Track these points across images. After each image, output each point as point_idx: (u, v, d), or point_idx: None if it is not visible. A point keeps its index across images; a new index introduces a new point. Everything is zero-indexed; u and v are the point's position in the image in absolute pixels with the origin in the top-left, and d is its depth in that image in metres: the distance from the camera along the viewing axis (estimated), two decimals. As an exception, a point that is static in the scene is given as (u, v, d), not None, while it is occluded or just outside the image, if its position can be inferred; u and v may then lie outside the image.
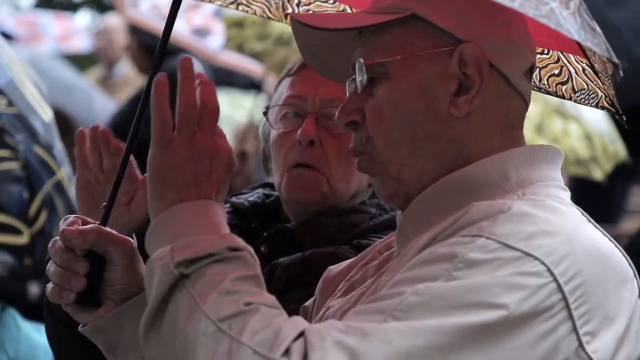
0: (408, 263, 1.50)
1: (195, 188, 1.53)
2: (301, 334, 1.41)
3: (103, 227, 1.72)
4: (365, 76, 1.62)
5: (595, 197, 5.38)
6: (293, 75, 2.23)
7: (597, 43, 1.46)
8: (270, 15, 2.17)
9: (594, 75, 1.86)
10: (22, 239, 3.25)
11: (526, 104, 1.65)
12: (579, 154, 5.31)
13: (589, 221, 1.60)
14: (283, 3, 2.14)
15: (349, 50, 1.67)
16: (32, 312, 4.09)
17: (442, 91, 1.59)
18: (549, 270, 1.45)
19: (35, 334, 3.70)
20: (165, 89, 1.54)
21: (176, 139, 1.53)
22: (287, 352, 1.39)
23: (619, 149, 5.47)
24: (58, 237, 1.71)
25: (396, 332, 1.39)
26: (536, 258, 1.45)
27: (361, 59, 1.63)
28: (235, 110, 7.80)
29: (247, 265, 1.50)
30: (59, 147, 3.27)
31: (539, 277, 1.45)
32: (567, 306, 1.46)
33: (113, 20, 7.97)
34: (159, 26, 6.01)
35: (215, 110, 1.54)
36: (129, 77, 7.68)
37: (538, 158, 1.62)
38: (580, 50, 1.84)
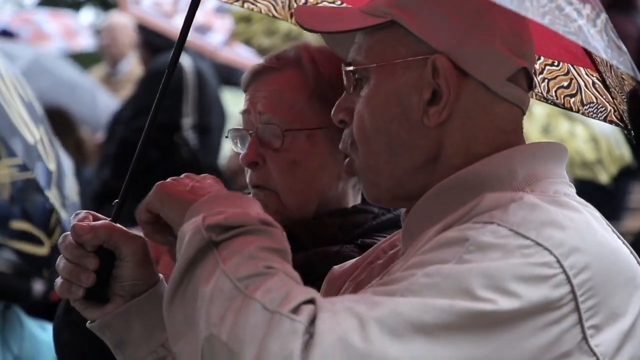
0: (419, 250, 1.50)
1: (203, 189, 1.60)
2: (312, 299, 1.42)
3: (114, 223, 1.73)
4: (352, 79, 1.64)
5: (598, 195, 5.40)
6: (244, 93, 2.21)
7: (622, 61, 1.46)
8: (275, 14, 2.17)
9: (604, 90, 1.86)
10: (43, 250, 3.25)
11: (519, 108, 1.64)
12: (585, 156, 5.33)
13: (598, 217, 1.60)
14: (289, 2, 2.14)
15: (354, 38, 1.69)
16: (36, 309, 4.11)
17: (416, 100, 1.60)
18: (558, 261, 1.46)
19: (39, 331, 3.72)
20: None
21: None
22: (296, 310, 1.39)
23: (624, 153, 5.48)
24: (69, 233, 1.72)
25: (407, 305, 1.40)
26: (546, 248, 1.46)
27: (346, 63, 1.65)
28: (237, 107, 7.80)
29: (275, 239, 1.51)
30: (43, 169, 3.26)
31: (549, 267, 1.45)
32: (575, 299, 1.46)
33: (117, 18, 7.98)
34: (161, 23, 6.02)
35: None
36: (133, 74, 7.68)
37: (544, 155, 1.63)
38: (592, 64, 1.84)
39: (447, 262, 1.44)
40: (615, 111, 1.88)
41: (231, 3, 2.17)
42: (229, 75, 7.74)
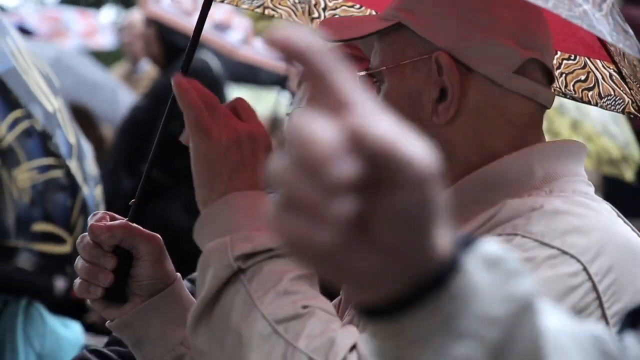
0: None
1: (243, 173, 1.53)
2: (355, 345, 1.39)
3: (131, 223, 1.74)
4: (371, 84, 1.66)
5: (624, 192, 5.38)
6: None
7: (629, 45, 1.46)
8: (296, 20, 2.19)
9: (621, 81, 1.85)
10: (66, 248, 3.27)
11: (533, 101, 1.64)
12: (611, 153, 5.32)
13: (619, 216, 1.60)
14: (309, 7, 2.16)
15: None
16: (58, 306, 4.12)
17: (426, 99, 1.61)
18: (585, 269, 1.45)
19: (61, 328, 3.73)
20: (185, 85, 1.54)
21: (214, 127, 1.54)
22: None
23: (634, 152, 5.46)
24: (86, 233, 1.73)
25: None
26: (572, 256, 1.45)
27: (360, 70, 1.67)
28: (257, 105, 7.82)
29: None
30: (62, 138, 3.27)
31: (576, 276, 1.45)
32: (601, 305, 1.46)
33: (138, 16, 8.00)
34: (180, 21, 6.03)
35: (244, 101, 1.59)
36: (153, 72, 7.70)
37: (562, 153, 1.62)
38: (608, 56, 1.83)
39: None
40: (633, 102, 1.87)
41: (252, 10, 2.19)
42: (248, 73, 7.75)
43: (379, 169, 0.82)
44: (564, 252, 1.45)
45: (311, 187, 0.80)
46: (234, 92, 7.55)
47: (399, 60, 1.63)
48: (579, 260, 1.45)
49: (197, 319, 1.48)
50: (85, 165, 3.37)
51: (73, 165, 3.26)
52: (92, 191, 3.38)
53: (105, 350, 2.12)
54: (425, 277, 0.86)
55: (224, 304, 1.46)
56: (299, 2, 2.22)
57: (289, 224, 0.81)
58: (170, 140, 1.82)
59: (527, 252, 1.45)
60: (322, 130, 0.80)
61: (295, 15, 2.17)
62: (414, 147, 0.84)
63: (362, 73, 1.66)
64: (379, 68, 1.65)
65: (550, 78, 1.67)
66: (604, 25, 1.44)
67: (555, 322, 0.96)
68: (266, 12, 2.18)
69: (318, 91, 0.85)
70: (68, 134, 3.30)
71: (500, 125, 1.61)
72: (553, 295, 1.42)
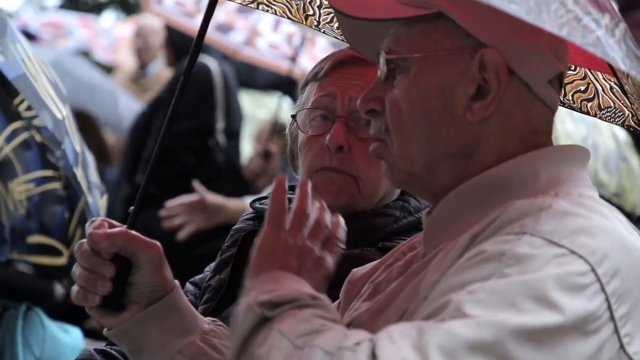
0: (452, 267, 1.49)
1: (294, 272, 1.59)
2: (370, 337, 1.41)
3: (130, 230, 1.73)
4: (386, 69, 1.62)
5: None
6: (322, 79, 2.22)
7: None
8: (290, 17, 2.17)
9: (622, 94, 1.84)
10: (62, 260, 3.27)
11: (552, 112, 1.64)
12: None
13: (621, 220, 1.59)
14: (304, 5, 2.14)
15: (383, 33, 1.67)
16: (58, 311, 4.11)
17: (460, 94, 1.58)
18: (593, 270, 1.45)
19: (61, 334, 3.72)
20: (284, 187, 1.65)
21: (288, 230, 1.63)
22: (356, 344, 1.39)
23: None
24: (85, 241, 1.72)
25: (460, 326, 1.38)
26: (581, 257, 1.45)
27: (384, 52, 1.63)
28: (259, 109, 7.81)
29: (328, 310, 1.51)
30: (70, 146, 3.27)
31: (585, 277, 1.44)
32: (609, 307, 1.45)
33: (149, 20, 7.98)
34: (183, 22, 6.02)
35: (324, 228, 1.69)
36: (162, 76, 7.68)
37: (567, 158, 1.62)
38: (610, 68, 1.82)
39: (488, 279, 1.42)
40: (633, 116, 1.87)
41: (246, 5, 2.17)
42: (251, 75, 7.74)
43: None
44: (573, 252, 1.45)
45: None
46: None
47: (434, 50, 1.59)
48: (587, 261, 1.45)
49: None
50: (90, 174, 3.37)
51: (79, 173, 3.25)
52: (97, 200, 3.37)
53: (110, 350, 2.11)
54: None
55: (252, 349, 1.48)
56: None
57: None
58: (160, 150, 1.82)
59: (535, 249, 1.44)
60: None
61: (290, 12, 2.14)
62: None
63: (390, 57, 1.62)
64: (410, 55, 1.60)
65: (561, 87, 1.67)
66: (617, 52, 1.43)
67: None
68: (260, 7, 2.15)
69: None
70: (74, 142, 3.30)
71: (524, 131, 1.60)
72: (561, 289, 1.41)
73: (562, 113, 1.64)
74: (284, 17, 2.18)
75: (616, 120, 1.91)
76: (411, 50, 1.60)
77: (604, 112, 1.90)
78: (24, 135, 3.18)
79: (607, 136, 4.84)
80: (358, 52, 1.76)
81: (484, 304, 1.39)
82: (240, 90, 6.58)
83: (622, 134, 4.90)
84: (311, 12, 2.17)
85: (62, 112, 3.25)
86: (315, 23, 2.21)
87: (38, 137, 3.18)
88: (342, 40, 2.22)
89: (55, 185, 3.24)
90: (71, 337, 3.67)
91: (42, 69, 3.27)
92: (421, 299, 1.51)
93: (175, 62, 5.92)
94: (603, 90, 1.88)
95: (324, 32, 2.24)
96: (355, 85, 2.14)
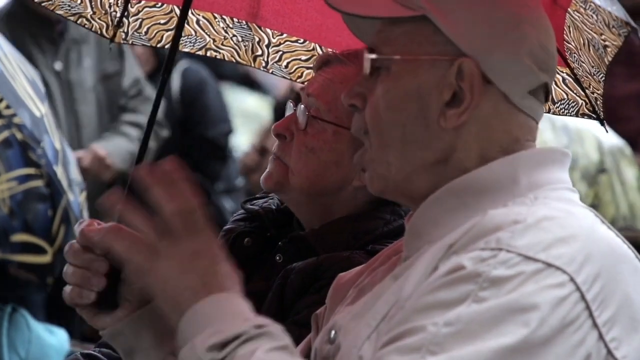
0: (427, 280, 1.48)
1: (205, 289, 1.51)
2: None
3: (122, 226, 1.72)
4: (369, 66, 1.62)
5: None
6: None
7: (616, 10, 1.46)
8: (239, 59, 2.25)
9: (575, 84, 1.85)
10: (46, 258, 3.25)
11: (535, 121, 1.63)
12: None
13: (603, 222, 1.59)
14: (252, 46, 2.19)
15: (375, 27, 1.66)
16: (44, 313, 4.09)
17: (435, 100, 1.58)
18: (572, 279, 1.44)
19: (47, 335, 3.70)
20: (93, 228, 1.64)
21: (163, 249, 1.53)
22: None
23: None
24: (74, 241, 1.71)
25: None
26: (558, 268, 1.44)
27: (367, 50, 1.63)
28: (263, 109, 7.82)
29: (276, 337, 1.48)
30: (50, 143, 3.25)
31: (564, 288, 1.44)
32: (591, 315, 1.45)
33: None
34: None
35: (191, 211, 1.53)
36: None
37: (547, 161, 1.61)
38: (562, 59, 1.82)
39: (463, 303, 1.42)
40: (586, 104, 1.88)
41: (194, 53, 2.23)
42: (252, 76, 7.76)
43: None
44: (549, 265, 1.44)
45: None
46: (235, 94, 7.55)
47: (416, 53, 1.59)
48: (565, 272, 1.44)
49: None
50: (70, 172, 3.35)
51: (59, 171, 3.24)
52: (77, 197, 3.36)
53: (96, 353, 2.10)
54: None
55: None
56: (242, 41, 2.23)
57: None
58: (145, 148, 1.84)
59: (511, 269, 1.44)
60: None
61: (238, 55, 2.20)
62: None
63: (372, 56, 1.61)
64: (392, 56, 1.60)
65: (547, 97, 1.67)
66: None
67: None
68: (208, 53, 2.21)
69: None
70: (54, 139, 3.28)
71: (504, 140, 1.60)
72: (543, 308, 1.41)
73: (540, 123, 1.66)
74: (232, 61, 2.26)
75: (570, 112, 1.92)
76: (394, 51, 1.60)
77: (558, 105, 1.91)
78: (4, 134, 3.16)
79: (591, 147, 4.82)
80: (360, 39, 1.75)
81: (462, 336, 1.40)
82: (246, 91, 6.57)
83: (610, 144, 4.86)
84: (259, 52, 2.24)
85: (41, 109, 3.24)
86: (264, 64, 2.30)
87: (19, 135, 3.17)
88: (290, 79, 2.34)
89: (38, 183, 3.22)
90: (57, 338, 3.66)
91: (19, 66, 3.26)
92: (399, 307, 1.51)
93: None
94: (555, 83, 1.89)
95: (272, 73, 2.30)
96: (316, 82, 2.20)
